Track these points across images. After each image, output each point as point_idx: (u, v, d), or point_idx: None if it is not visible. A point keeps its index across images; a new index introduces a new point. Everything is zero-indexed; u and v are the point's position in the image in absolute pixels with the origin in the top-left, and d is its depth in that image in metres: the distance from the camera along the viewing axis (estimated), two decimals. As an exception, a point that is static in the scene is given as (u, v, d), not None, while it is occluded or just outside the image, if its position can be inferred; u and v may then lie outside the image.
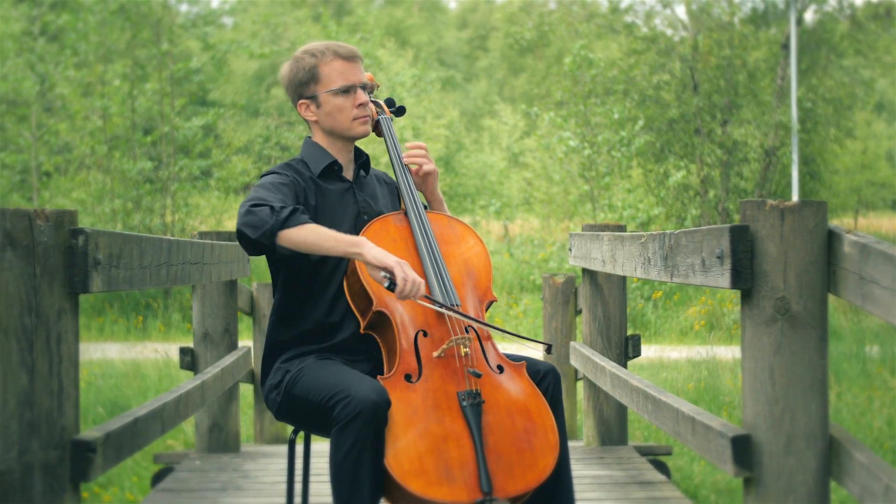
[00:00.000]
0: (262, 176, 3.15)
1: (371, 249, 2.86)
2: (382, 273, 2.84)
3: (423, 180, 3.29)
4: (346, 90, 3.16)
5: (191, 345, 5.33)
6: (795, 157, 17.86)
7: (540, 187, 19.21)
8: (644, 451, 5.39)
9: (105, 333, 12.15)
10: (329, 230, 2.91)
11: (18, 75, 17.24)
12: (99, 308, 13.19)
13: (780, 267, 2.64)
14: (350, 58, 3.18)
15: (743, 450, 2.69)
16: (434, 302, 2.97)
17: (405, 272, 2.84)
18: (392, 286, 2.85)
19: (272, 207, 2.88)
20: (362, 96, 3.18)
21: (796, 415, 2.64)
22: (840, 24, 20.20)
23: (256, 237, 2.87)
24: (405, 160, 3.27)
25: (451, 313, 2.99)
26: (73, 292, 2.68)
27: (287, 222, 2.87)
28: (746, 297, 2.72)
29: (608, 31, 20.31)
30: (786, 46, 19.01)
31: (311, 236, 2.87)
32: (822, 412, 2.65)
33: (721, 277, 2.76)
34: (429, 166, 3.27)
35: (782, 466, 2.65)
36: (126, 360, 8.93)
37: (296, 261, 3.07)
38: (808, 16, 20.07)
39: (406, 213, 3.16)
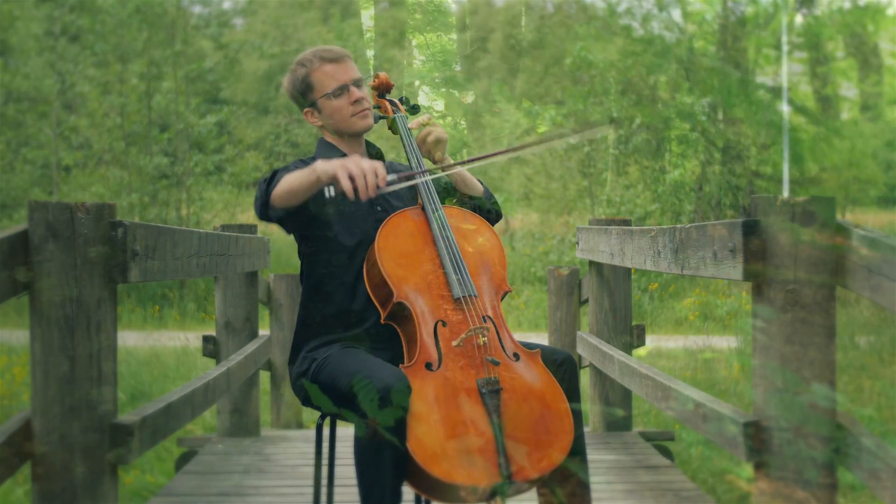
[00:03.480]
0: None
1: (319, 165, 2.81)
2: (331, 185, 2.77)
3: (431, 150, 3.32)
4: (339, 91, 3.24)
5: (212, 333, 5.46)
6: (786, 154, 17.98)
7: (540, 183, 19.29)
8: (648, 437, 5.49)
9: (122, 322, 12.20)
10: (298, 171, 2.93)
11: (40, 74, 17.42)
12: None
13: (790, 260, 2.69)
14: (336, 59, 3.25)
15: (754, 435, 2.74)
16: (397, 180, 2.90)
17: (350, 168, 2.75)
18: (338, 195, 2.72)
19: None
20: (356, 93, 3.24)
21: (805, 402, 2.70)
22: (830, 27, 20.37)
23: (257, 210, 3.00)
24: (419, 139, 3.31)
25: (419, 178, 2.98)
26: (112, 282, 2.74)
27: (271, 183, 2.95)
28: (758, 288, 2.77)
29: (606, 32, 20.42)
30: (777, 48, 19.14)
31: (285, 184, 2.90)
32: (830, 399, 2.71)
33: (733, 270, 2.81)
34: (431, 137, 3.30)
35: (792, 452, 2.70)
36: (144, 347, 9.03)
37: (314, 248, 3.16)
38: (799, 18, 20.23)
39: (423, 208, 3.20)
